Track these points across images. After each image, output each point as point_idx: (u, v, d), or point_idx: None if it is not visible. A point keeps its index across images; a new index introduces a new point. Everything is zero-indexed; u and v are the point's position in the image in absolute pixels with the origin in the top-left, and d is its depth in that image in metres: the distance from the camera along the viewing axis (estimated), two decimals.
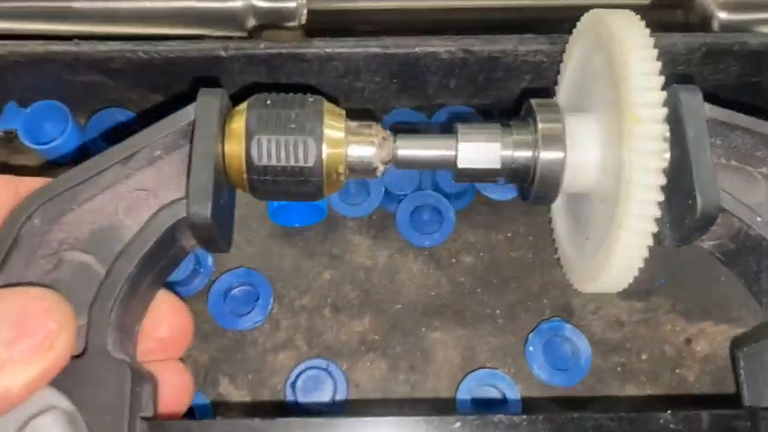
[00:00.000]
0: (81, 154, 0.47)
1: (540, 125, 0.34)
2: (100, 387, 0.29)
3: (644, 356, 0.44)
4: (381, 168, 0.35)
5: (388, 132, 0.35)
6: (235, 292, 0.44)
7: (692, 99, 0.33)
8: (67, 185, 0.32)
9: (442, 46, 0.42)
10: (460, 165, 0.35)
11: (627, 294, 0.44)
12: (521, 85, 0.45)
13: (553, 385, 0.42)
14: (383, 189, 0.45)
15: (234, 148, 0.33)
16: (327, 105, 0.34)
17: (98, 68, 0.43)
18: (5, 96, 0.46)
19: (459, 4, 0.56)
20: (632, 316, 0.45)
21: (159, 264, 0.33)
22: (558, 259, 0.43)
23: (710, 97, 0.45)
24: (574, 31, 0.39)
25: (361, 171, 0.34)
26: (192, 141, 0.32)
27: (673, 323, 0.44)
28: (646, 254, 0.31)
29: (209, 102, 0.33)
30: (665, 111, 0.31)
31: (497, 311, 0.44)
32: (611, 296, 0.45)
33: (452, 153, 0.35)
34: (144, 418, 0.30)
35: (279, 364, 0.43)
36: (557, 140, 0.34)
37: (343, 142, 0.33)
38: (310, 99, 0.34)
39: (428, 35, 0.51)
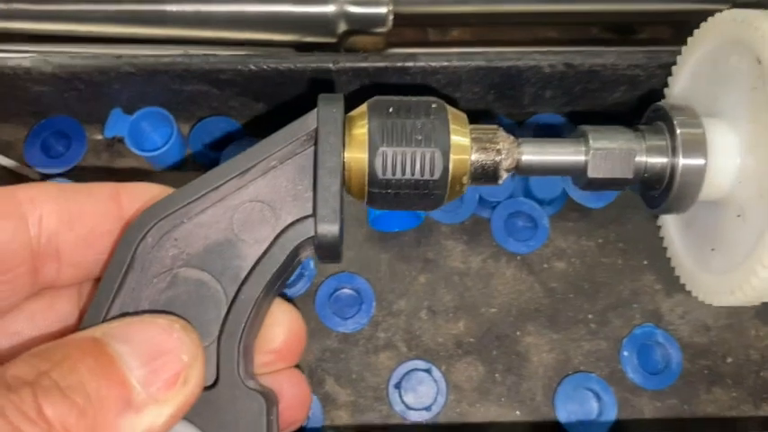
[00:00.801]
0: (184, 161, 0.49)
1: (678, 130, 0.34)
2: (234, 418, 0.29)
3: (729, 360, 0.45)
4: (505, 176, 0.33)
5: (512, 138, 0.34)
6: (339, 294, 0.46)
7: None
8: (183, 201, 0.30)
9: (544, 60, 0.43)
10: (591, 174, 0.34)
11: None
12: (613, 96, 0.46)
13: (645, 388, 0.44)
14: (477, 196, 0.47)
15: (356, 158, 0.31)
16: (452, 111, 0.32)
17: (207, 79, 0.45)
18: (111, 103, 0.47)
19: (540, 8, 0.56)
20: (718, 321, 0.46)
21: (281, 280, 0.32)
22: (647, 265, 0.44)
23: None
24: (700, 30, 0.38)
25: (485, 179, 0.33)
26: (315, 153, 0.30)
27: (757, 328, 0.46)
28: None
29: (332, 109, 0.31)
30: None
31: (590, 316, 0.46)
32: (698, 302, 0.46)
33: (582, 160, 0.34)
34: None
35: (380, 365, 0.45)
36: (698, 146, 0.33)
37: (468, 150, 0.32)
38: (434, 105, 0.32)
39: (506, 42, 0.53)
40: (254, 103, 0.47)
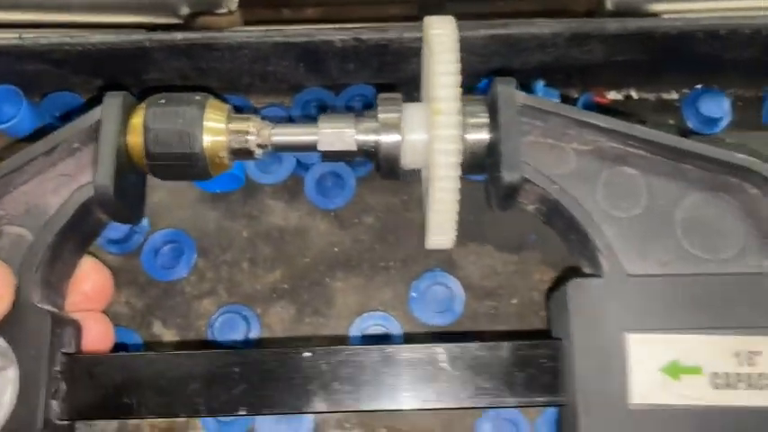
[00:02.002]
0: (38, 133, 0.55)
1: (380, 115, 0.42)
2: (26, 329, 0.38)
3: (514, 301, 0.51)
4: (259, 152, 0.42)
5: (266, 122, 0.43)
6: (164, 249, 0.52)
7: (506, 89, 0.40)
8: (3, 172, 0.41)
9: (335, 35, 0.49)
10: (320, 148, 0.42)
11: (502, 248, 0.52)
12: (411, 67, 0.52)
13: (430, 324, 0.50)
14: (295, 158, 0.53)
15: (135, 140, 0.41)
16: (212, 101, 0.42)
17: (42, 59, 0.50)
18: None
19: None
20: (507, 267, 0.52)
21: (79, 233, 0.42)
22: None
23: (581, 75, 0.52)
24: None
25: (242, 155, 0.42)
26: (98, 136, 0.40)
27: (542, 273, 0.52)
28: (451, 218, 0.39)
29: (111, 103, 0.41)
30: (458, 104, 0.37)
31: (390, 263, 0.52)
32: (489, 250, 0.52)
33: (315, 138, 0.42)
34: (64, 353, 0.39)
35: (203, 309, 0.51)
36: (393, 127, 0.41)
37: (223, 131, 0.41)
38: (197, 97, 0.41)
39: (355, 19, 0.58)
40: (93, 79, 0.53)
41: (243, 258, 0.52)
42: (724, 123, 0.54)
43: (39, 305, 0.38)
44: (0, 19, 0.54)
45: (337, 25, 0.50)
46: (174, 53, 0.50)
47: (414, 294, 0.50)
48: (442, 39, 0.39)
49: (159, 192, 0.54)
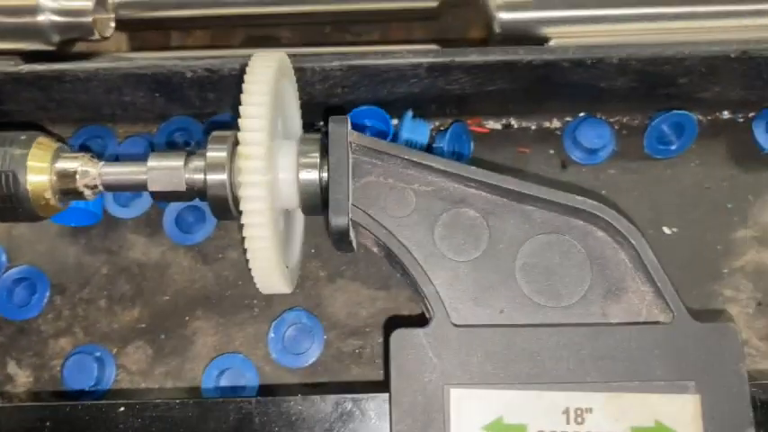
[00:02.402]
0: None
1: (208, 153, 0.40)
2: None
3: (380, 340, 0.49)
4: (89, 192, 0.41)
5: (95, 161, 0.41)
6: (18, 287, 0.50)
7: (338, 129, 0.39)
8: None
9: (185, 64, 0.47)
10: (150, 188, 0.40)
11: (369, 286, 0.50)
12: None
13: (288, 366, 0.48)
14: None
15: None
16: (40, 139, 0.40)
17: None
18: None
19: (269, 11, 0.60)
20: (375, 304, 0.50)
21: None
22: (314, 253, 0.49)
23: (455, 104, 0.50)
24: None
25: (71, 195, 0.41)
26: None
27: (411, 309, 0.50)
28: (273, 265, 0.37)
29: None
30: (262, 148, 0.36)
31: (255, 301, 0.50)
32: (356, 288, 0.50)
33: (144, 178, 0.40)
34: None
35: (59, 349, 0.49)
36: (220, 166, 0.39)
37: (47, 171, 0.39)
38: (22, 136, 0.40)
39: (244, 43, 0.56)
40: None
41: (101, 296, 0.51)
42: (606, 153, 0.53)
43: None
44: None
45: (187, 53, 0.48)
46: (22, 85, 0.48)
47: (272, 335, 0.48)
48: (257, 77, 0.38)
49: (19, 226, 0.52)
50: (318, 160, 0.40)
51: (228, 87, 0.49)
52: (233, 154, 0.40)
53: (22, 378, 0.49)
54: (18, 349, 0.49)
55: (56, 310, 0.50)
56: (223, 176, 0.40)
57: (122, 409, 0.37)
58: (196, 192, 0.41)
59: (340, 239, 0.39)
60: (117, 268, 0.51)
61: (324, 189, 0.40)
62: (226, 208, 0.41)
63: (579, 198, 0.39)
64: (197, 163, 0.41)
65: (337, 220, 0.38)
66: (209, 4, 0.58)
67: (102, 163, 0.41)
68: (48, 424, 0.37)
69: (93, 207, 0.50)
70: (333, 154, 0.39)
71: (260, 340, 0.49)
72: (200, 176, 0.40)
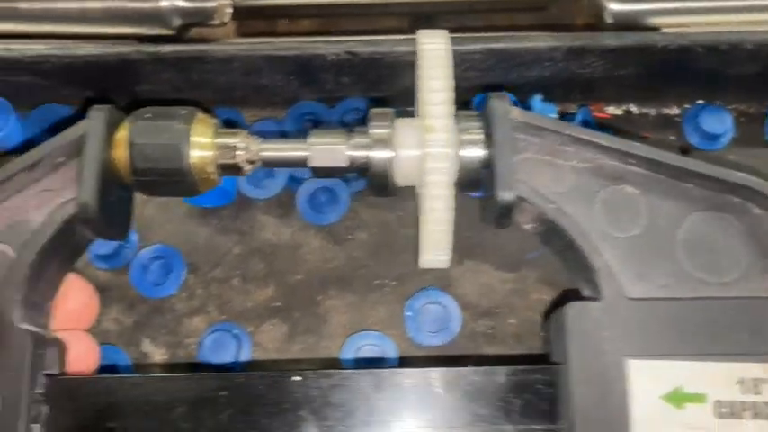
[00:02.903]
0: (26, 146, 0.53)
1: (371, 131, 0.40)
2: (5, 350, 0.37)
3: (512, 320, 0.50)
4: (248, 168, 0.41)
5: (254, 137, 0.41)
6: (153, 265, 0.50)
7: (500, 105, 0.39)
8: None
9: (326, 49, 0.48)
10: (311, 164, 0.41)
11: (499, 266, 0.51)
12: (406, 81, 0.51)
13: (424, 345, 0.48)
14: (288, 172, 0.51)
15: (120, 154, 0.39)
16: (199, 116, 0.40)
17: (30, 71, 0.49)
18: None
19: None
20: (504, 286, 0.51)
21: (63, 251, 0.40)
22: None
23: (580, 89, 0.51)
24: None
25: (230, 170, 0.41)
26: (82, 151, 0.39)
27: (540, 292, 0.50)
28: (445, 237, 0.37)
29: (96, 117, 0.40)
30: (450, 121, 0.36)
31: (386, 281, 0.51)
32: (486, 268, 0.51)
33: (306, 154, 0.40)
34: (46, 375, 0.37)
35: (193, 327, 0.50)
36: (384, 143, 0.40)
37: (210, 146, 0.40)
38: (183, 111, 0.40)
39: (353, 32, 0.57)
40: (82, 91, 0.52)
41: (234, 275, 0.51)
42: (726, 140, 0.53)
43: (19, 325, 0.37)
44: None
45: (329, 38, 0.49)
46: (162, 65, 0.49)
47: (408, 313, 0.49)
48: (434, 53, 0.38)
49: (149, 206, 0.52)
50: (482, 137, 0.40)
51: (366, 71, 0.50)
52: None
53: (156, 356, 0.50)
54: (153, 327, 0.50)
55: (189, 289, 0.51)
56: (389, 153, 0.40)
57: (298, 378, 0.38)
58: (357, 168, 0.41)
59: (505, 215, 0.40)
60: (249, 248, 0.52)
61: (484, 165, 0.40)
62: (385, 184, 0.41)
63: (740, 174, 0.40)
64: (359, 140, 0.41)
65: (505, 195, 0.39)
66: None
67: (262, 139, 0.42)
68: (223, 393, 0.37)
69: (228, 186, 0.51)
70: (498, 130, 0.40)
71: (394, 319, 0.50)
72: (362, 153, 0.41)
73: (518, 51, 0.48)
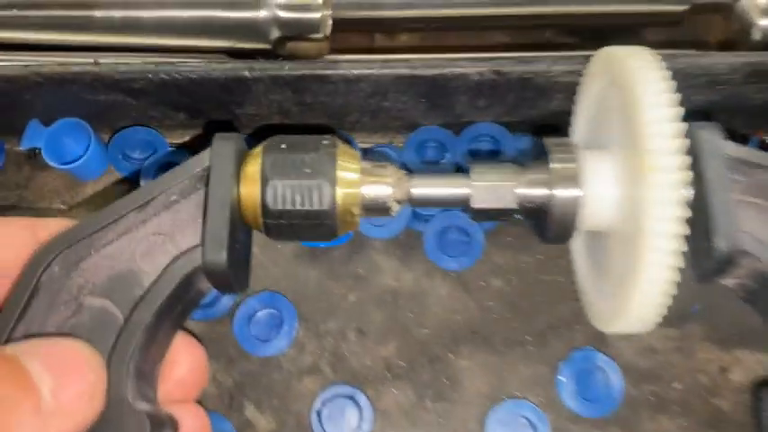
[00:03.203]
0: (105, 170, 0.47)
1: (552, 164, 0.34)
2: None
3: (676, 385, 0.43)
4: (396, 208, 0.34)
5: (403, 172, 0.34)
6: (259, 315, 0.43)
7: (711, 138, 0.32)
8: (86, 232, 0.32)
9: (472, 67, 0.41)
10: (474, 205, 0.34)
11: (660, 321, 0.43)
12: (552, 104, 0.44)
13: (583, 416, 0.41)
14: (410, 210, 0.44)
15: (250, 192, 0.33)
16: (342, 147, 0.34)
17: (119, 88, 0.42)
18: (27, 115, 0.45)
19: (488, 12, 0.54)
20: (665, 344, 0.43)
21: (177, 309, 0.33)
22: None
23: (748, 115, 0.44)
24: (588, 66, 0.38)
25: (376, 211, 0.34)
26: (207, 186, 0.32)
27: (707, 351, 0.43)
28: (661, 300, 0.31)
29: (224, 147, 0.33)
30: (684, 158, 0.30)
31: (527, 338, 0.44)
32: None
33: (467, 192, 0.34)
34: None
35: (304, 389, 0.43)
36: (571, 179, 0.33)
37: (357, 183, 0.33)
38: (324, 141, 0.34)
39: (456, 48, 0.50)
40: (173, 113, 0.45)
41: (349, 327, 0.44)
42: None
43: (134, 405, 0.30)
44: (70, 41, 0.46)
45: (471, 55, 0.42)
46: (277, 85, 0.42)
47: (562, 378, 0.42)
48: (650, 75, 0.31)
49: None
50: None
51: (507, 92, 0.43)
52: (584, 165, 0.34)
53: (262, 424, 0.43)
54: (257, 389, 0.43)
55: (298, 344, 0.44)
56: (576, 192, 0.33)
57: None
58: (529, 209, 0.35)
59: (721, 269, 0.33)
60: (366, 296, 0.44)
61: (697, 208, 0.33)
62: (569, 228, 0.34)
63: None
64: (535, 176, 0.34)
65: (727, 244, 0.32)
66: (436, 5, 0.52)
67: (412, 174, 0.35)
68: None
69: None
70: (709, 167, 0.32)
71: (540, 383, 0.43)
72: (539, 192, 0.34)
73: (701, 67, 0.41)
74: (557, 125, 0.44)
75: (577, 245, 0.40)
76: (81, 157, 0.45)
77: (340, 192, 0.33)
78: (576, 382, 0.41)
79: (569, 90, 0.42)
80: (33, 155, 0.48)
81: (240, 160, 0.33)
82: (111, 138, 0.47)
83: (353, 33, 0.58)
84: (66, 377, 0.28)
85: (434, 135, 0.46)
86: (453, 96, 0.43)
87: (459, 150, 0.46)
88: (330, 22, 0.48)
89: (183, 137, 0.47)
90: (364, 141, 0.48)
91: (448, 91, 0.43)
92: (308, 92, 0.42)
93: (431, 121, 0.46)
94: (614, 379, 0.41)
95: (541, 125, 0.46)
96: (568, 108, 0.44)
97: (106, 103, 0.44)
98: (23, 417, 0.26)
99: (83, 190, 0.48)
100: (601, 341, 0.43)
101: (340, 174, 0.33)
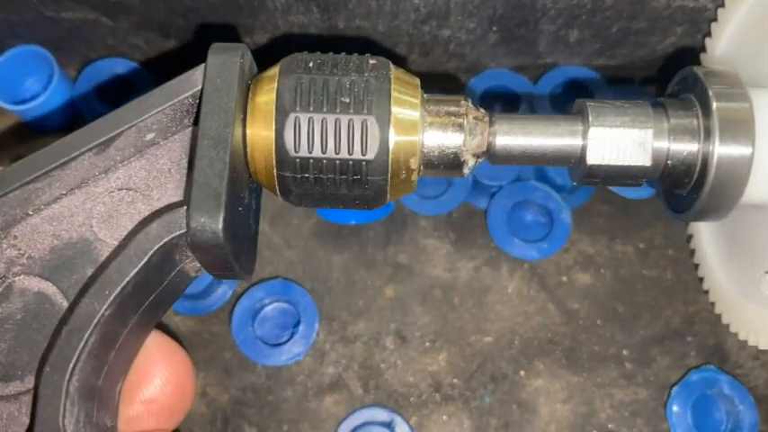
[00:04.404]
0: (71, 117, 0.36)
1: (714, 104, 0.24)
2: None
3: None
4: (471, 163, 0.25)
5: (483, 111, 0.24)
6: (267, 311, 0.33)
7: None
8: (19, 181, 0.23)
9: None
10: (591, 161, 0.24)
11: None
12: (667, 42, 0.33)
13: None
14: (470, 178, 0.34)
15: (259, 133, 0.23)
16: (396, 71, 0.24)
17: (90, 2, 0.32)
18: None
19: None
20: None
21: (149, 298, 0.23)
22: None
23: None
24: None
25: (443, 167, 0.24)
26: (197, 122, 0.23)
27: None
28: None
29: (223, 63, 0.23)
30: None
31: (624, 352, 0.34)
32: None
33: (579, 144, 0.24)
34: None
35: (324, 411, 0.33)
36: (742, 128, 0.24)
37: (418, 125, 0.23)
38: (371, 60, 0.24)
39: None
40: (162, 40, 0.35)
41: (386, 331, 0.34)
42: None
43: None
44: None
45: None
46: (300, 2, 0.31)
47: (675, 408, 0.31)
48: None
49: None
50: None
51: (607, 23, 0.32)
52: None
53: None
54: (262, 409, 0.32)
55: (317, 350, 0.33)
56: (747, 149, 0.23)
57: None
58: (672, 170, 0.24)
59: None
60: (409, 290, 0.34)
61: None
62: (727, 198, 0.24)
63: None
64: (683, 121, 0.24)
65: None
66: None
67: (497, 115, 0.25)
68: None
69: None
70: None
71: (642, 414, 0.32)
72: (691, 146, 0.24)
73: None
74: (667, 76, 0.33)
75: (712, 225, 0.30)
76: (39, 95, 0.35)
77: (394, 135, 0.23)
78: (693, 414, 0.31)
79: (693, 21, 0.31)
80: None
81: (247, 85, 0.24)
82: (79, 72, 0.36)
83: None
84: None
85: (505, 81, 0.36)
86: (537, 24, 0.33)
87: (538, 104, 0.35)
88: None
89: (174, 74, 0.37)
90: None
91: (531, 15, 0.32)
92: (340, 10, 0.32)
93: (500, 62, 0.35)
94: (745, 410, 0.31)
95: (645, 77, 0.35)
96: (686, 46, 0.33)
97: (73, 25, 0.34)
98: None
99: (40, 145, 0.37)
100: (723, 358, 0.33)
101: (395, 110, 0.23)
